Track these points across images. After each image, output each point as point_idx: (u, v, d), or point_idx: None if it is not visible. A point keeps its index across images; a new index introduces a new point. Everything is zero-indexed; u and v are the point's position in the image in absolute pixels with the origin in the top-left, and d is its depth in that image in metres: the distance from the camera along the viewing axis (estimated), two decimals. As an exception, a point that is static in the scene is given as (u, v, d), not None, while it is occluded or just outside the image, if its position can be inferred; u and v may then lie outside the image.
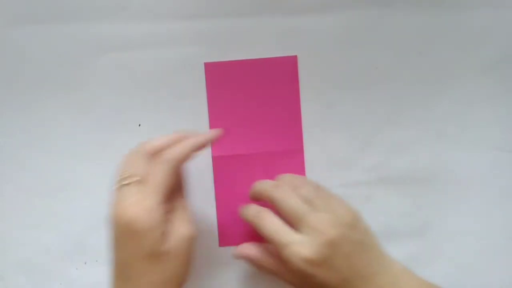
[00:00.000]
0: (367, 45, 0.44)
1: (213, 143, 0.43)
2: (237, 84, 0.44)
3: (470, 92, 0.45)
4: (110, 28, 0.43)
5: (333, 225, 0.35)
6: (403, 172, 0.45)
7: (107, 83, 0.44)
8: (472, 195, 0.45)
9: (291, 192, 0.38)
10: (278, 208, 0.38)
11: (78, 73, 0.44)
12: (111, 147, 0.44)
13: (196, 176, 0.43)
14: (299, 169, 0.44)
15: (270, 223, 0.37)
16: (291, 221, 0.37)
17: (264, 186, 0.40)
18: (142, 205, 0.33)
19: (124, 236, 0.34)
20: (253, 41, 0.43)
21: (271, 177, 0.42)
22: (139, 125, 0.45)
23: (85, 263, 0.45)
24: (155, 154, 0.36)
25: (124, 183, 0.34)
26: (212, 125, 0.44)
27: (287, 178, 0.40)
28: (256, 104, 0.44)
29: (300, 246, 0.35)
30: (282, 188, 0.38)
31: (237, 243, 0.41)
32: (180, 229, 0.35)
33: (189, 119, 0.44)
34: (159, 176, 0.35)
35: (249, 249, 0.40)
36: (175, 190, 0.37)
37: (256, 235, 0.39)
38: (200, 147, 0.38)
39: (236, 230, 0.44)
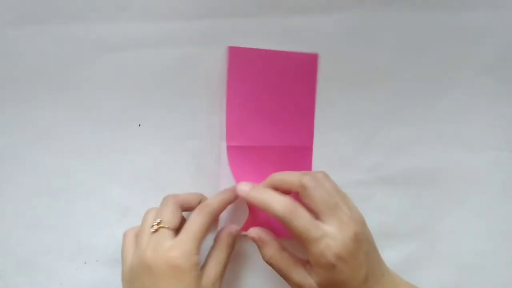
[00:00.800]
0: (367, 45, 0.44)
1: (228, 133, 0.44)
2: (257, 73, 0.43)
3: (470, 92, 0.45)
4: (110, 28, 0.43)
5: (355, 221, 0.36)
6: (403, 172, 0.45)
7: (107, 83, 0.44)
8: (472, 195, 0.45)
9: (320, 182, 0.37)
10: (308, 196, 0.37)
11: (78, 73, 0.44)
12: (111, 147, 0.44)
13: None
14: (307, 166, 0.44)
15: (305, 216, 0.36)
16: (320, 211, 0.36)
17: (291, 174, 0.39)
18: (183, 248, 0.37)
19: (164, 276, 0.36)
20: (253, 41, 0.43)
21: (278, 171, 0.41)
22: (139, 125, 0.45)
23: (85, 263, 0.45)
24: (183, 206, 0.40)
25: (156, 227, 0.38)
26: (229, 112, 0.43)
27: (306, 172, 0.39)
28: (272, 96, 0.44)
29: (331, 240, 0.35)
30: (312, 176, 0.38)
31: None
32: (210, 274, 0.38)
33: (189, 119, 0.44)
34: (197, 225, 0.38)
35: (264, 233, 0.40)
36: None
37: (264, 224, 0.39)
38: (232, 201, 0.42)
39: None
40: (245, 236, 0.43)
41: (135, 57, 0.44)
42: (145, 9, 0.43)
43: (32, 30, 0.43)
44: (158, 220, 0.38)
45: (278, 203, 0.36)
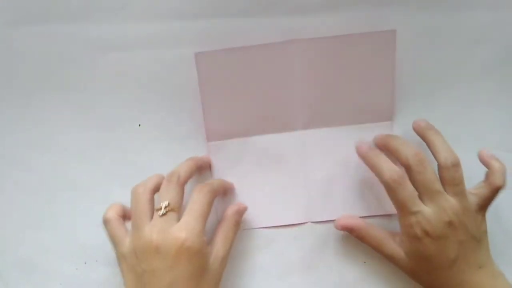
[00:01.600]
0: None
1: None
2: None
3: (470, 92, 0.45)
4: (110, 28, 0.43)
5: (455, 211, 0.38)
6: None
7: (107, 83, 0.44)
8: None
9: (427, 168, 0.38)
10: (412, 177, 0.38)
11: (78, 73, 0.44)
12: (111, 147, 0.44)
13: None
14: None
15: (407, 189, 0.38)
16: (421, 193, 0.38)
17: (404, 148, 0.40)
18: (190, 229, 0.37)
19: (174, 257, 0.36)
20: (253, 41, 0.43)
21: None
22: (139, 125, 0.45)
23: (85, 263, 0.45)
24: (185, 183, 0.40)
25: (165, 211, 0.38)
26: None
27: (418, 152, 0.40)
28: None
29: (423, 218, 0.38)
30: (420, 161, 0.38)
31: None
32: (219, 251, 0.39)
33: (188, 119, 0.44)
34: (201, 205, 0.39)
35: (352, 218, 0.42)
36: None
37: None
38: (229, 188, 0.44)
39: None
40: (246, 234, 0.43)
41: (135, 57, 0.44)
42: (145, 9, 0.43)
43: (32, 30, 0.43)
44: (166, 203, 0.38)
45: (388, 171, 0.39)
